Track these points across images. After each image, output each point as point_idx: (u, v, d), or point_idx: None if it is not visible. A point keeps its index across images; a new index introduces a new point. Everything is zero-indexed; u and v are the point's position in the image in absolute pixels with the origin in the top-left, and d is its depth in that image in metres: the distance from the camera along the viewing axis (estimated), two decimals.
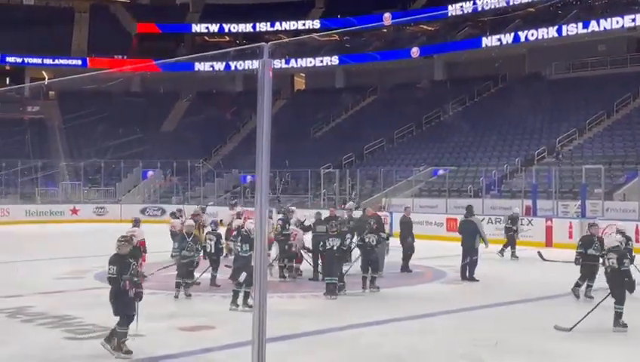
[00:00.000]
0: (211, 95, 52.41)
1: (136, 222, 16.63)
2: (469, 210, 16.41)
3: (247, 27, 51.73)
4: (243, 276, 11.72)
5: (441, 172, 33.61)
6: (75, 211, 36.78)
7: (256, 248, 4.22)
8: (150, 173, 43.28)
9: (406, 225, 16.88)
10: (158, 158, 43.10)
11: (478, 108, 41.16)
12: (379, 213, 18.74)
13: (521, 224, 21.29)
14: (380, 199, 30.78)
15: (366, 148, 39.72)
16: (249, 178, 39.54)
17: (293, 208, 17.44)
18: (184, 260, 13.31)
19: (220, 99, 51.71)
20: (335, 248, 13.35)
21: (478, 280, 15.44)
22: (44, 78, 51.06)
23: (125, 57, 51.77)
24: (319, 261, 14.88)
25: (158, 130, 49.85)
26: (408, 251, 16.57)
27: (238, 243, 12.33)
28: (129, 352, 8.98)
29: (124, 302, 8.96)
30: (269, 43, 4.33)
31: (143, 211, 37.12)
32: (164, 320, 11.35)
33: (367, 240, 13.95)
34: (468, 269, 15.59)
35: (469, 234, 15.73)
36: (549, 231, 23.34)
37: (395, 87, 47.12)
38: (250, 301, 11.43)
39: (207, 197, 37.92)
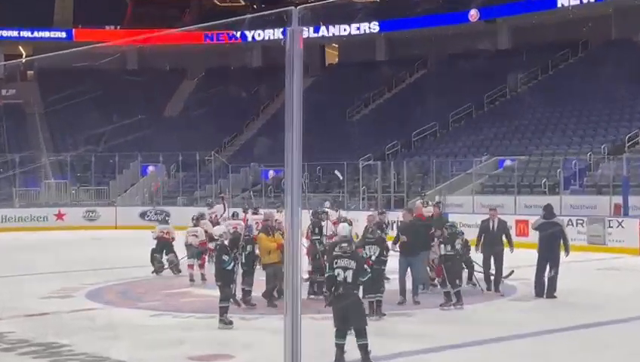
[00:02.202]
0: (224, 72, 52.62)
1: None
2: (549, 209, 16.26)
3: None
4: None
5: (507, 163, 33.36)
6: (60, 216, 37.16)
7: (287, 261, 4.21)
8: (151, 168, 43.57)
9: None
10: (160, 150, 43.32)
11: (554, 82, 40.78)
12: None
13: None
14: (433, 197, 30.64)
15: (414, 134, 39.60)
16: (271, 173, 39.59)
17: (327, 208, 17.45)
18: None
19: (234, 77, 51.88)
20: (373, 258, 13.32)
21: (556, 297, 15.33)
22: (21, 55, 51.67)
23: (118, 28, 52.22)
24: None
25: (160, 116, 50.20)
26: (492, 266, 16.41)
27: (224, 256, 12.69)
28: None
29: None
30: (298, 7, 4.29)
31: (142, 215, 37.42)
32: (172, 348, 11.43)
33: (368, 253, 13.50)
34: (547, 284, 15.47)
35: (550, 240, 15.57)
36: None
37: (449, 58, 46.84)
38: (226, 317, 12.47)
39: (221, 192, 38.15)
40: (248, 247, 14.51)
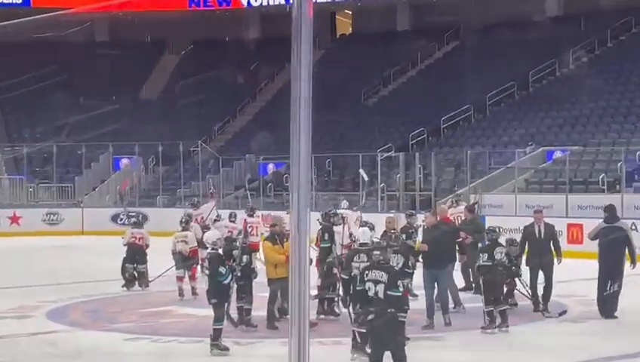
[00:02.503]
0: (213, 45, 52.62)
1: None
2: (611, 211, 16.26)
3: None
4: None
5: (558, 154, 33.32)
6: (15, 219, 37.27)
7: (293, 272, 4.21)
8: (124, 161, 43.66)
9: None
10: (136, 140, 43.35)
11: (614, 56, 40.71)
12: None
13: None
14: (468, 196, 30.65)
15: (444, 120, 39.57)
16: (271, 167, 39.61)
17: (343, 209, 17.40)
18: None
19: (225, 51, 51.87)
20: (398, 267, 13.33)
21: (617, 317, 15.32)
22: None
23: None
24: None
25: (136, 99, 50.23)
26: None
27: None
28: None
29: None
30: None
31: (114, 218, 37.50)
32: None
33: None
34: (607, 301, 15.45)
35: (612, 248, 15.46)
36: None
37: (486, 28, 46.75)
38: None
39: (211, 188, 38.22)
40: (244, 258, 14.51)
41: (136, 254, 20.13)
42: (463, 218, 19.36)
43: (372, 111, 44.13)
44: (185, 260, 18.71)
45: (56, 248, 27.52)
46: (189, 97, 47.20)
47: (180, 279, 18.62)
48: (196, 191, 38.95)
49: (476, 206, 29.38)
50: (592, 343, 13.66)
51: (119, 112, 46.59)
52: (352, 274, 12.67)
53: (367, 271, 10.52)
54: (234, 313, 14.14)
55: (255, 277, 14.76)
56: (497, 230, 15.33)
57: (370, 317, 10.37)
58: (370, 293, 10.31)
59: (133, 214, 37.25)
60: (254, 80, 49.88)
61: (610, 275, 15.47)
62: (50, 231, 36.16)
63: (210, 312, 14.26)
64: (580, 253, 22.49)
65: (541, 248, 16.22)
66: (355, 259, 13.08)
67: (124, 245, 20.49)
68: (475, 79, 40.28)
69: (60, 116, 45.83)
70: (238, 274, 14.28)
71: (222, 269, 12.89)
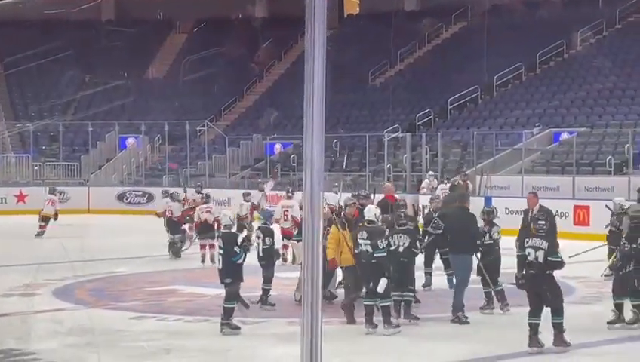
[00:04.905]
0: (220, 24, 52.49)
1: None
2: None
3: None
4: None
5: (565, 136, 33.27)
6: (22, 197, 37.24)
7: (306, 256, 4.16)
8: (131, 140, 43.64)
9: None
10: (142, 120, 43.38)
11: (622, 37, 40.59)
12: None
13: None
14: (474, 176, 30.63)
15: (451, 101, 39.49)
16: (278, 147, 39.57)
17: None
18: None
19: (232, 30, 51.77)
20: (402, 249, 13.29)
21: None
22: None
23: None
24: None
25: (143, 78, 50.18)
26: None
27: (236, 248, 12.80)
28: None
29: None
30: None
31: (120, 197, 37.54)
32: (156, 357, 11.53)
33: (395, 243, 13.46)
34: (623, 281, 15.37)
35: None
36: None
37: (494, 8, 46.61)
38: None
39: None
40: (267, 240, 14.56)
41: (168, 225, 21.72)
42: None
43: (379, 91, 44.06)
44: (209, 230, 19.61)
45: (61, 227, 27.51)
46: (196, 76, 47.14)
47: (203, 247, 19.89)
48: (202, 171, 39.01)
49: (481, 186, 29.59)
50: (595, 324, 13.57)
51: (126, 90, 46.57)
52: (360, 250, 12.86)
53: (527, 239, 11.92)
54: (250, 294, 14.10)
55: (278, 258, 14.73)
56: (494, 211, 15.21)
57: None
58: (530, 258, 11.72)
59: (140, 193, 37.43)
60: (262, 59, 49.74)
61: (631, 257, 15.34)
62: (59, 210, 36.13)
63: (216, 291, 14.31)
64: (586, 235, 22.43)
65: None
66: (359, 236, 13.01)
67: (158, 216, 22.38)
68: (483, 60, 40.16)
69: (66, 93, 45.80)
70: (261, 255, 14.47)
71: (236, 249, 12.86)
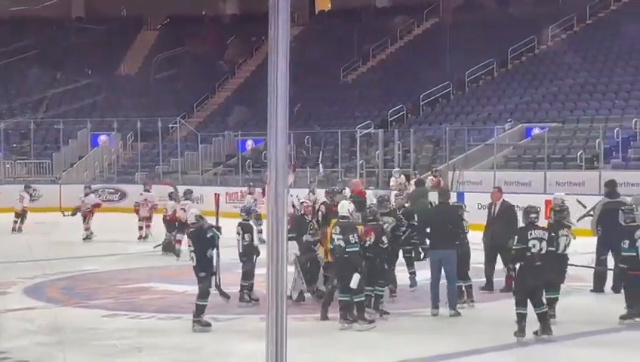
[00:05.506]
0: (191, 21, 52.38)
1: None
2: (612, 186, 16.37)
3: None
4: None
5: (536, 131, 33.40)
6: None
7: (270, 253, 4.18)
8: (103, 137, 43.47)
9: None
10: (114, 117, 43.22)
11: (592, 33, 40.76)
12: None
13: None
14: (445, 172, 30.70)
15: (423, 96, 39.57)
16: (250, 143, 39.54)
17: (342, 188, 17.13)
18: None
19: (204, 26, 51.64)
20: (368, 244, 13.34)
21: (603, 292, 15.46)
22: None
23: None
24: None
25: (114, 75, 49.97)
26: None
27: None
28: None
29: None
30: None
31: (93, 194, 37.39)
32: (128, 355, 11.50)
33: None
34: (602, 276, 15.52)
35: (615, 224, 15.27)
36: None
37: (465, 5, 46.74)
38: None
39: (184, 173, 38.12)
40: (246, 236, 14.49)
41: (165, 224, 21.82)
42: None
43: (351, 87, 44.05)
44: (185, 226, 19.30)
45: (33, 225, 27.39)
46: (168, 73, 47.06)
47: (178, 242, 20.09)
48: (174, 168, 38.94)
49: (454, 182, 29.67)
50: (567, 317, 13.64)
51: (97, 87, 46.41)
52: (334, 245, 13.04)
53: (531, 231, 12.15)
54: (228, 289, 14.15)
55: (258, 255, 14.56)
56: (462, 206, 15.27)
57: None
58: (534, 250, 11.99)
59: (111, 191, 37.28)
60: (231, 56, 49.65)
61: (608, 250, 15.46)
62: (27, 207, 35.90)
63: (189, 289, 14.31)
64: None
65: (494, 227, 15.81)
66: (332, 231, 13.09)
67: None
68: (454, 56, 40.31)
69: (37, 91, 45.55)
70: (241, 251, 14.47)
71: (209, 253, 12.92)
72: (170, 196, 22.38)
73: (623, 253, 13.41)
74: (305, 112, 38.82)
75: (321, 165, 28.31)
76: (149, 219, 24.55)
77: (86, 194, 25.87)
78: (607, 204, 15.91)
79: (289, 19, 4.04)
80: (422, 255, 14.93)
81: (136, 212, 24.94)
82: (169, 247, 21.19)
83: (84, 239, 24.56)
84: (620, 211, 14.03)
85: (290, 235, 14.70)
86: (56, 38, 49.82)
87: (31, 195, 29.62)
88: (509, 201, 16.56)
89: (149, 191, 25.26)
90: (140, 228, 24.50)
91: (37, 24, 48.67)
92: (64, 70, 47.06)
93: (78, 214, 25.36)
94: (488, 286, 15.75)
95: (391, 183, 29.43)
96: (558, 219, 13.21)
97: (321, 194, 17.31)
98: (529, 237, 12.13)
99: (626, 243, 13.23)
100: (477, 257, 15.24)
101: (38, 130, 43.12)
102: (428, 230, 14.39)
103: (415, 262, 15.62)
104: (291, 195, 20.25)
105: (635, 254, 13.13)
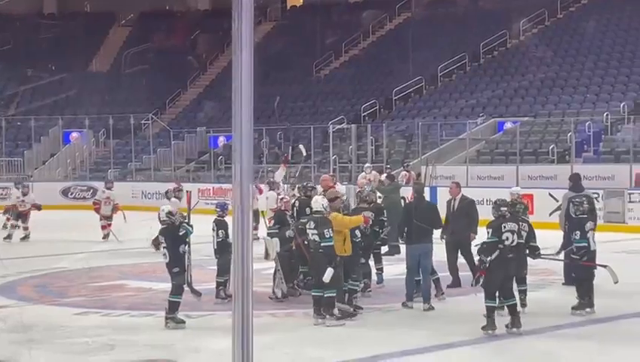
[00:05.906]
0: (162, 17, 52.23)
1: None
2: (576, 179, 16.43)
3: None
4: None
5: (508, 125, 33.52)
6: None
7: (236, 249, 4.18)
8: (74, 135, 43.28)
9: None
10: (86, 113, 43.05)
11: (563, 28, 40.96)
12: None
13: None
14: (418, 167, 30.77)
15: (396, 91, 39.61)
16: (222, 140, 39.47)
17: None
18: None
19: (175, 22, 51.49)
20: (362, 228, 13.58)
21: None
22: None
23: None
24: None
25: (85, 72, 49.75)
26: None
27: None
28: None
29: None
30: None
31: (65, 192, 37.22)
32: (101, 353, 11.46)
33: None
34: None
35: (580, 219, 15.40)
36: None
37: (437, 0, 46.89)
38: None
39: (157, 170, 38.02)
40: (220, 233, 14.42)
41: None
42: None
43: (323, 83, 44.07)
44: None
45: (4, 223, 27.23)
46: (139, 69, 46.90)
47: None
48: (147, 165, 38.83)
49: (427, 177, 29.72)
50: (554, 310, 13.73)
51: (69, 84, 46.21)
52: (308, 240, 13.11)
53: (504, 224, 12.21)
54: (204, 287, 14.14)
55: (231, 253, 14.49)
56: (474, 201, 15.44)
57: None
58: (507, 242, 12.08)
59: (85, 188, 37.10)
60: (204, 52, 49.57)
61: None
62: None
63: (161, 286, 14.27)
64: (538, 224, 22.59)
65: (454, 224, 15.65)
66: (307, 226, 13.11)
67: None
68: (427, 50, 40.42)
69: (8, 87, 45.27)
70: (215, 247, 14.43)
71: (181, 248, 12.90)
72: (167, 195, 22.18)
73: (574, 244, 13.49)
74: (277, 108, 38.76)
75: (302, 147, 28.21)
76: (109, 218, 24.09)
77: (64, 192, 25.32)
78: (572, 198, 15.96)
79: (252, 13, 4.04)
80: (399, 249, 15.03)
81: (96, 210, 24.45)
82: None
83: (21, 239, 23.67)
84: (569, 203, 14.11)
85: (272, 231, 14.80)
86: (28, 33, 49.54)
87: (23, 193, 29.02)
88: (469, 196, 16.50)
89: (110, 189, 25.02)
90: (103, 226, 23.99)
91: (8, 19, 48.42)
92: (35, 66, 46.80)
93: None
94: (455, 282, 15.59)
95: (359, 180, 29.25)
96: (512, 212, 13.16)
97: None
98: (502, 230, 12.15)
99: (577, 234, 13.32)
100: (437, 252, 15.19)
101: (9, 127, 42.86)
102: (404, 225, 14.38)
103: (383, 258, 15.70)
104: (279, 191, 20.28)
105: (586, 245, 13.24)
